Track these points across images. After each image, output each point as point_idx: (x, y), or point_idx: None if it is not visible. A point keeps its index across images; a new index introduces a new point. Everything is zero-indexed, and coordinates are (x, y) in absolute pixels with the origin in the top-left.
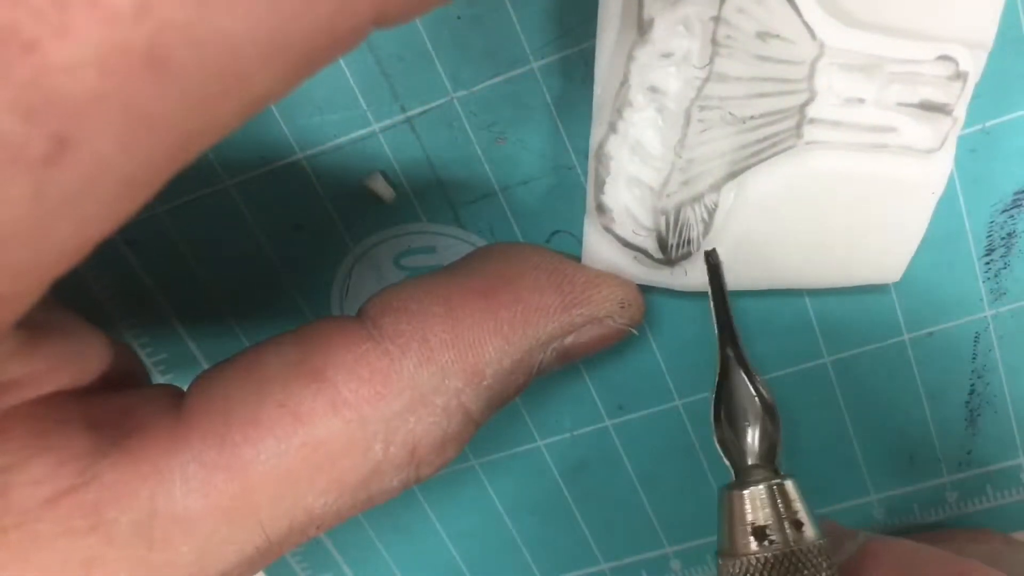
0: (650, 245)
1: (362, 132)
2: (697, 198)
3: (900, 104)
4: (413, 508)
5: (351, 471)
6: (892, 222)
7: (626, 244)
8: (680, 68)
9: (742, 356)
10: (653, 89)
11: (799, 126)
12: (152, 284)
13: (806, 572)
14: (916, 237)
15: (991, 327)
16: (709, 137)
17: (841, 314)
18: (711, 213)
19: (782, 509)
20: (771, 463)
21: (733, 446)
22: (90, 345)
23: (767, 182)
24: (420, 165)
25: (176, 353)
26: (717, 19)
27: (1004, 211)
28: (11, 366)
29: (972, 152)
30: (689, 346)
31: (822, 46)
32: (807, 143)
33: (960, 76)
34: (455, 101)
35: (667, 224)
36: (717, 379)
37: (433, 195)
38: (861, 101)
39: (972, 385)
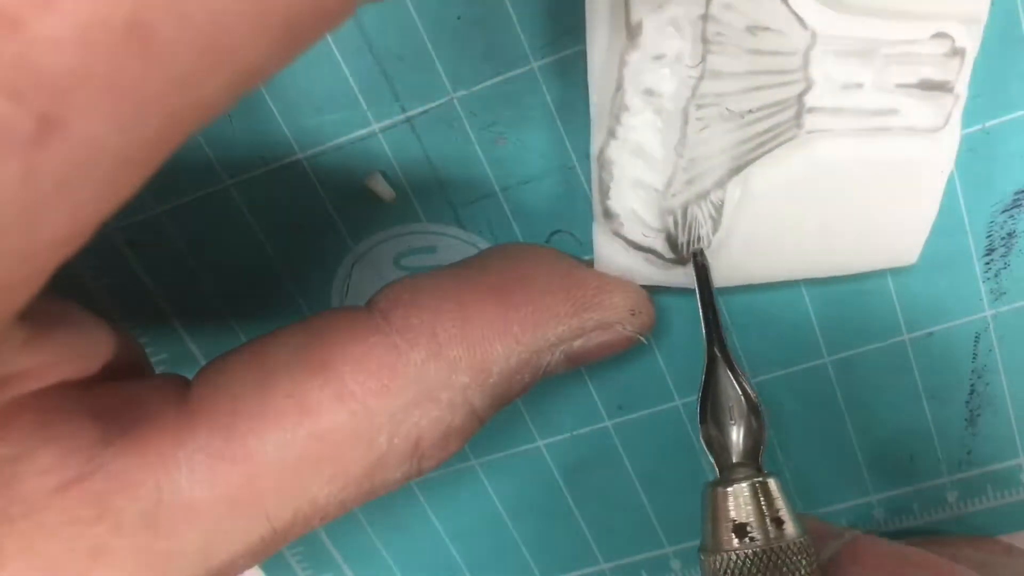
0: (660, 246)
1: (362, 132)
2: (703, 196)
3: (899, 85)
4: (413, 507)
5: (356, 462)
6: (903, 204)
7: (637, 247)
8: (673, 69)
9: (728, 355)
10: (648, 92)
11: (799, 116)
12: (152, 284)
13: (785, 569)
14: (929, 218)
15: (991, 327)
16: (709, 135)
17: (841, 314)
18: (719, 209)
19: (764, 507)
20: (755, 461)
21: (718, 444)
22: (94, 335)
23: (772, 174)
24: (420, 165)
25: (176, 353)
26: (705, 17)
27: (1004, 211)
28: (17, 358)
29: (972, 152)
30: (689, 346)
31: (814, 34)
32: (808, 132)
33: (958, 52)
34: (455, 101)
35: (675, 223)
36: (703, 378)
37: (433, 195)
38: (859, 86)
39: (972, 385)
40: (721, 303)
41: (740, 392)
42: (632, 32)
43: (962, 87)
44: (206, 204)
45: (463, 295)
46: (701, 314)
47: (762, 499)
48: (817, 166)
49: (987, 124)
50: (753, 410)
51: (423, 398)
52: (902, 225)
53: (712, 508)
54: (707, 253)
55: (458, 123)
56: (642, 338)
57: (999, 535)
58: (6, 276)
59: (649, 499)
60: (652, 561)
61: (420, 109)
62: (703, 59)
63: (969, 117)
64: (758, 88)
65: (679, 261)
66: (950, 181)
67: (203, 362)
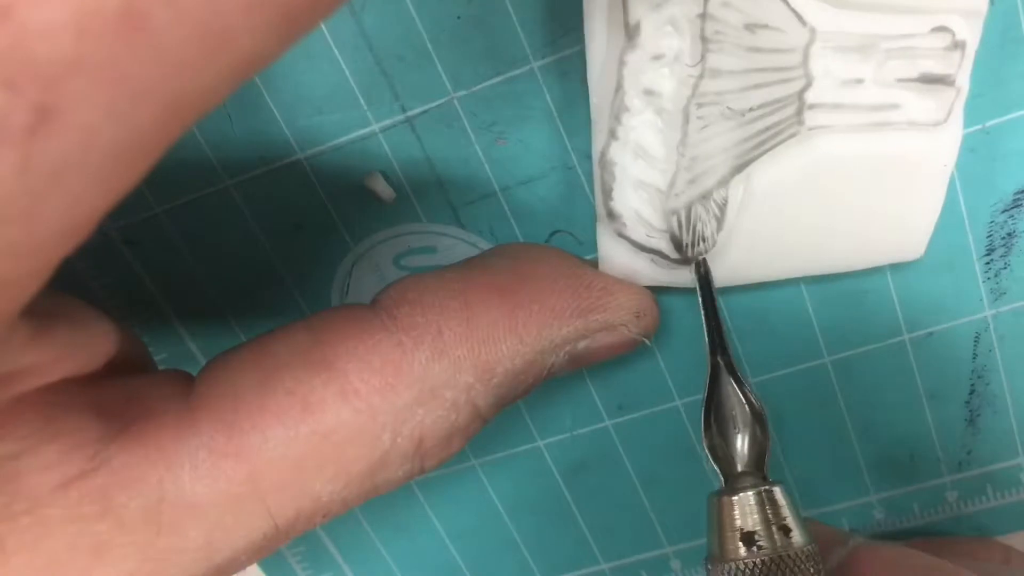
0: (665, 246)
1: (362, 132)
2: (706, 195)
3: (900, 80)
4: (413, 507)
5: (358, 460)
6: (907, 198)
7: (641, 247)
8: (673, 68)
9: (731, 363)
10: (648, 92)
11: (799, 113)
12: (152, 284)
13: None
14: (934, 211)
15: (991, 327)
16: (710, 133)
17: (841, 314)
18: (722, 208)
19: (770, 515)
20: (760, 470)
21: (722, 453)
22: (97, 331)
23: (775, 172)
24: (420, 165)
25: (176, 353)
26: (703, 16)
27: (1004, 211)
28: (20, 355)
29: (972, 152)
30: (689, 346)
31: (813, 31)
32: (810, 129)
33: (958, 45)
34: (455, 101)
35: (679, 223)
36: (707, 386)
37: (433, 195)
38: (860, 81)
39: (972, 385)
40: (722, 305)
41: (744, 401)
42: (630, 32)
43: (963, 80)
44: (206, 204)
45: (469, 294)
46: (704, 322)
47: (768, 507)
48: (820, 162)
49: (987, 124)
50: (757, 419)
51: (427, 397)
52: (907, 219)
53: (718, 517)
54: (712, 252)
55: (458, 123)
56: (645, 340)
57: (999, 535)
58: (8, 271)
59: (649, 499)
60: (652, 561)
61: (420, 109)
62: (702, 58)
63: (969, 117)
64: (758, 86)
65: (684, 261)
66: (950, 181)
67: (203, 362)
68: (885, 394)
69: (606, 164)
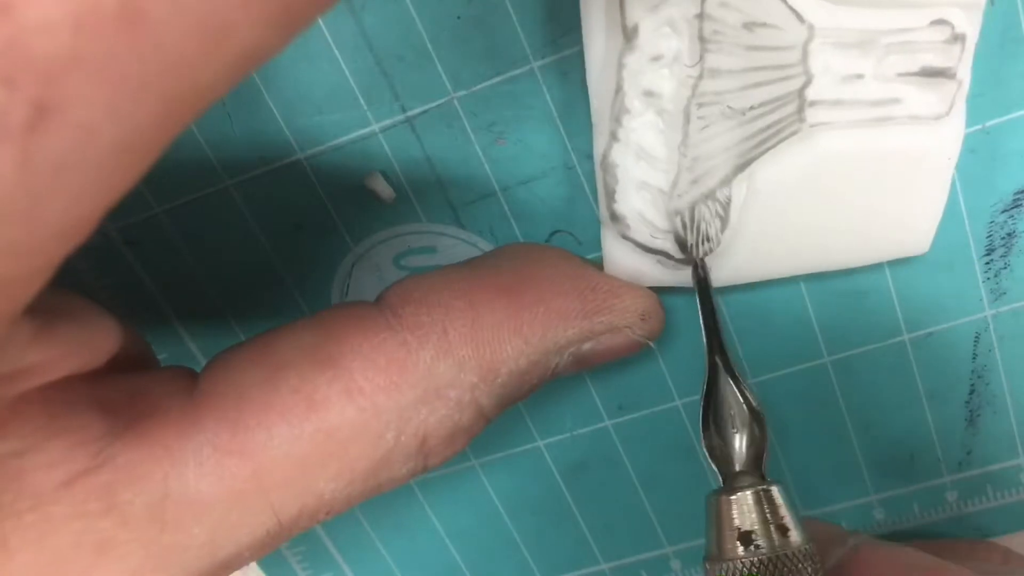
0: (670, 247)
1: (362, 132)
2: (709, 194)
3: (900, 74)
4: (413, 507)
5: (362, 458)
6: (912, 193)
7: (646, 249)
8: (672, 69)
9: (729, 364)
10: (648, 93)
11: (801, 110)
12: (152, 284)
13: None
14: (939, 205)
15: (991, 327)
16: (711, 133)
17: (841, 314)
18: (725, 207)
19: (768, 515)
20: (758, 469)
21: (721, 453)
22: (100, 328)
23: (777, 170)
24: (420, 165)
25: (176, 353)
26: (701, 16)
27: (1004, 211)
28: (24, 353)
29: (972, 152)
30: (689, 346)
31: (811, 28)
32: (812, 126)
33: (958, 38)
34: (455, 101)
35: (683, 224)
36: (705, 387)
37: (433, 195)
38: (860, 77)
39: (972, 385)
40: (721, 305)
41: (742, 400)
42: (628, 35)
43: (964, 73)
44: (206, 204)
45: (474, 294)
46: (702, 322)
47: (766, 507)
48: (822, 159)
49: (987, 124)
50: (755, 418)
51: (431, 396)
52: (912, 214)
53: (716, 517)
54: (717, 252)
55: (458, 123)
56: (650, 343)
57: (999, 535)
58: (9, 270)
59: (649, 499)
60: (652, 561)
61: (420, 109)
62: (701, 58)
63: (969, 117)
64: (758, 84)
65: (689, 262)
66: (951, 181)
67: (203, 362)
68: (885, 394)
69: (608, 166)
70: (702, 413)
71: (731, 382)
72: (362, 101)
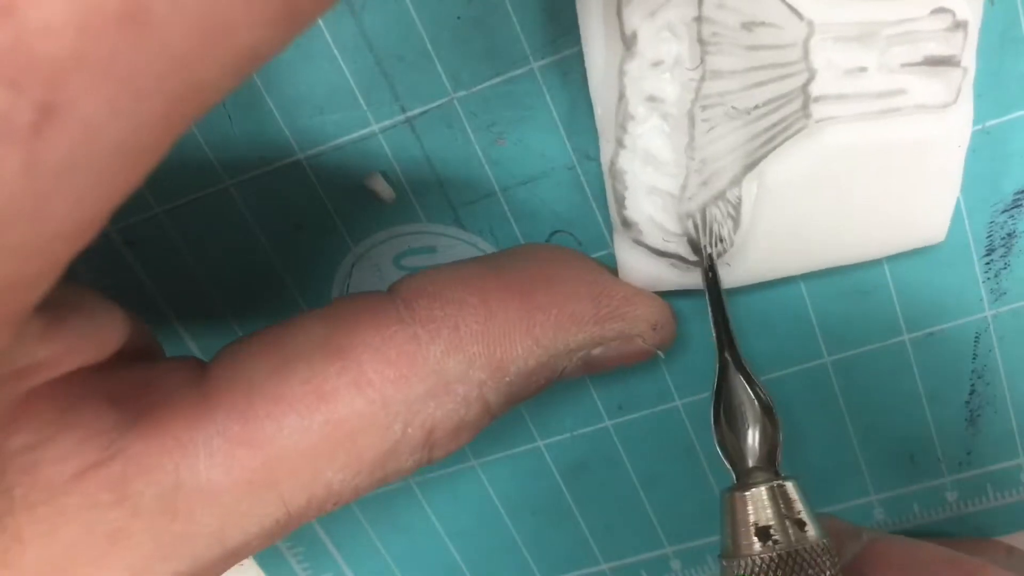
0: (683, 249)
1: (362, 132)
2: (719, 195)
3: (904, 65)
4: (413, 507)
5: (370, 449)
6: (923, 182)
7: (659, 253)
8: (674, 73)
9: (740, 359)
10: (651, 98)
11: (806, 106)
12: (152, 284)
13: (811, 571)
14: (952, 193)
15: (991, 327)
16: (717, 134)
17: (841, 314)
18: (737, 208)
19: (784, 510)
20: (772, 465)
21: (733, 449)
22: (108, 320)
23: (787, 167)
24: (420, 165)
25: (176, 353)
26: (699, 19)
27: (1004, 211)
28: (35, 349)
29: (972, 152)
30: (689, 346)
31: (811, 24)
32: (818, 121)
33: (960, 25)
34: (455, 101)
35: (695, 226)
36: (716, 383)
37: (433, 195)
38: (863, 70)
39: (972, 385)
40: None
41: (753, 396)
42: (628, 41)
43: (969, 60)
44: (206, 204)
45: (488, 292)
46: (711, 319)
47: (781, 502)
48: (831, 154)
49: (987, 124)
50: (767, 414)
51: (439, 390)
52: (925, 204)
53: (731, 513)
54: (731, 252)
55: (458, 123)
56: (660, 352)
57: (999, 535)
58: (18, 271)
59: (649, 499)
60: (652, 561)
61: (420, 109)
62: (702, 60)
63: None
64: (761, 83)
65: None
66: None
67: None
68: (885, 394)
69: (616, 173)
70: (713, 410)
71: (742, 378)
72: (362, 101)
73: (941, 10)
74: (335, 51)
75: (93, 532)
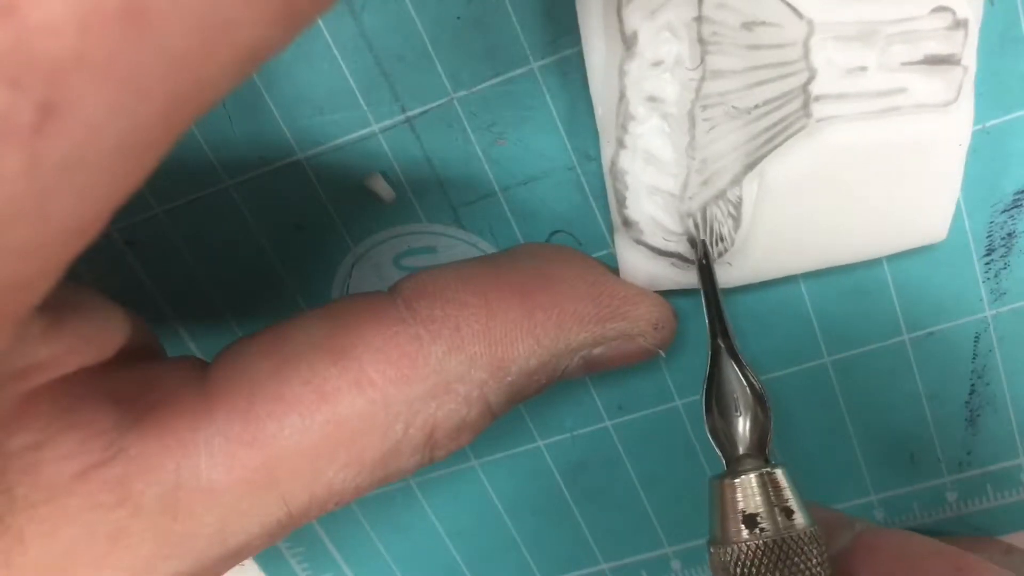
0: (684, 249)
1: (362, 132)
2: (720, 195)
3: (904, 64)
4: (413, 508)
5: (371, 449)
6: (924, 181)
7: (660, 252)
8: (674, 73)
9: (732, 347)
10: (652, 98)
11: (806, 105)
12: (152, 284)
13: (797, 559)
14: (953, 192)
15: (991, 327)
16: (718, 134)
17: (841, 314)
18: (737, 207)
19: (773, 497)
20: (762, 452)
21: (724, 436)
22: (109, 320)
23: (787, 166)
24: (420, 165)
25: (176, 353)
26: (699, 18)
27: (1004, 211)
28: (36, 349)
29: (972, 152)
30: (689, 346)
31: (811, 23)
32: (818, 120)
33: (960, 24)
34: (455, 101)
35: (696, 225)
36: (708, 370)
37: (433, 195)
38: (864, 69)
39: (972, 385)
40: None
41: (745, 383)
42: (628, 42)
43: (970, 59)
44: (206, 204)
45: (489, 291)
46: (704, 306)
47: (770, 490)
48: (832, 153)
49: (987, 124)
50: (759, 401)
51: (441, 390)
52: (926, 202)
53: (720, 500)
54: (732, 251)
55: (458, 123)
56: (660, 352)
57: (999, 535)
58: (19, 271)
59: (649, 499)
60: (652, 561)
61: (420, 109)
62: (702, 60)
63: None
64: (761, 83)
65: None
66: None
67: None
68: (885, 394)
69: (617, 173)
70: (704, 396)
71: (734, 364)
72: (362, 101)
73: (941, 9)
74: (335, 51)
75: (94, 532)
